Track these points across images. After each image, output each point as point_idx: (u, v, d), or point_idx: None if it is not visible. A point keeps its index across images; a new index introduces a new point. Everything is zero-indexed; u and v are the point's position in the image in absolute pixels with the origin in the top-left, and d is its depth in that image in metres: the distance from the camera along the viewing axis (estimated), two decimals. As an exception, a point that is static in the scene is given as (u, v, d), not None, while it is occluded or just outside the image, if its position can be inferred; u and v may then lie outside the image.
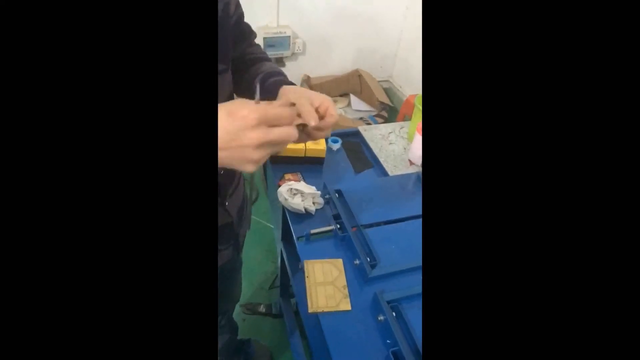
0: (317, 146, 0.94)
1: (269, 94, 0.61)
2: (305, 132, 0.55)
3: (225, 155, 0.39)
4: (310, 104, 0.52)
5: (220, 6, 0.53)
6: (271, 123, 0.40)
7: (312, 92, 0.56)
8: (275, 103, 0.42)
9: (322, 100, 0.54)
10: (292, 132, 0.42)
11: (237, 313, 1.35)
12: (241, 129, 0.38)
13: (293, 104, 0.44)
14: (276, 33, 1.93)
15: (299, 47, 2.07)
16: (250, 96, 0.67)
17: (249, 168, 0.41)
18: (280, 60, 2.09)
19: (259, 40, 2.10)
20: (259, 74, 0.66)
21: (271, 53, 1.99)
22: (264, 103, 0.41)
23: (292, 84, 0.63)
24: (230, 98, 0.64)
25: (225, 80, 0.58)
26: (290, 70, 2.15)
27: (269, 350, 1.27)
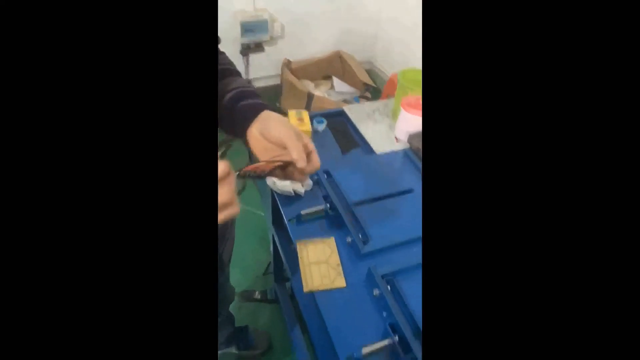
0: (302, 128, 0.93)
1: (245, 119, 0.55)
2: (286, 172, 0.51)
3: None
4: (298, 141, 0.49)
5: None
6: None
7: (296, 128, 0.52)
8: None
9: (308, 140, 0.52)
10: (231, 213, 0.37)
11: (234, 303, 1.35)
12: None
13: (227, 173, 0.37)
14: (253, 17, 1.89)
15: (277, 30, 2.03)
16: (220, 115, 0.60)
17: None
18: (259, 46, 2.05)
19: (236, 26, 2.05)
20: (229, 90, 0.57)
21: (249, 38, 1.95)
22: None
23: (269, 107, 0.56)
24: None
25: None
26: (271, 55, 2.12)
27: (267, 334, 1.28)
